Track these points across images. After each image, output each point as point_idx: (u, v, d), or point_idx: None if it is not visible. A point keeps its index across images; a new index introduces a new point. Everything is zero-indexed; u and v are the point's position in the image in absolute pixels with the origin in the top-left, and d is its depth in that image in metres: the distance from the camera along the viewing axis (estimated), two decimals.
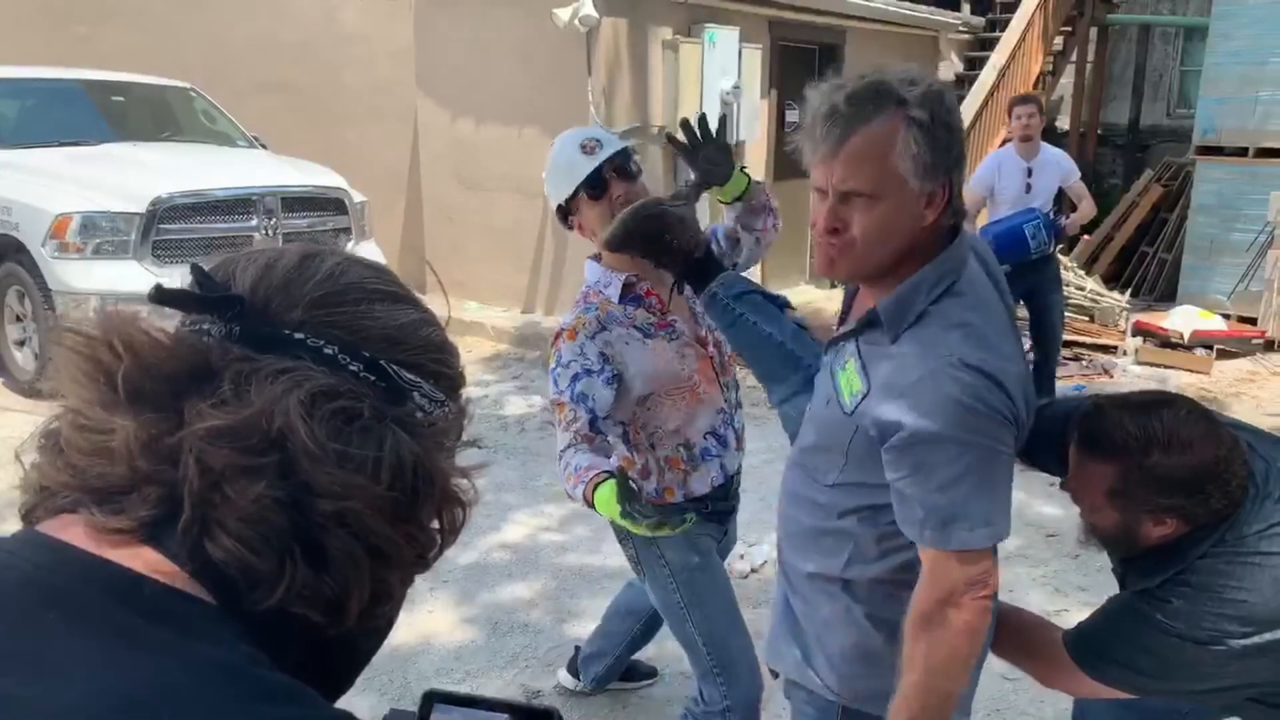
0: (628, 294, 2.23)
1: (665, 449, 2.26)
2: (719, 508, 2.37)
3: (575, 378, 2.12)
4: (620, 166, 2.20)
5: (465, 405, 0.73)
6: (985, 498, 1.36)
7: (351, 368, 0.64)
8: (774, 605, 1.76)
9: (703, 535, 2.30)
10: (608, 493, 1.87)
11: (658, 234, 1.83)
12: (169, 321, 0.64)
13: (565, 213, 2.28)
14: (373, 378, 0.65)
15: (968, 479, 1.35)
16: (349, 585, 0.62)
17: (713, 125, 2.08)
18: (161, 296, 0.62)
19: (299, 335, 0.63)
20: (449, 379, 0.71)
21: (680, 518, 1.80)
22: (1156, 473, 1.47)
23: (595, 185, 2.19)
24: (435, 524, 0.69)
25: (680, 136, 2.05)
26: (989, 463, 1.36)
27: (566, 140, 2.26)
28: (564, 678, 3.08)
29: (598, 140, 2.22)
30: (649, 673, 3.12)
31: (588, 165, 2.19)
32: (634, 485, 1.83)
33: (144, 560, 0.58)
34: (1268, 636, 1.41)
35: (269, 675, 0.57)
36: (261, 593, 0.59)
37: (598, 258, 2.30)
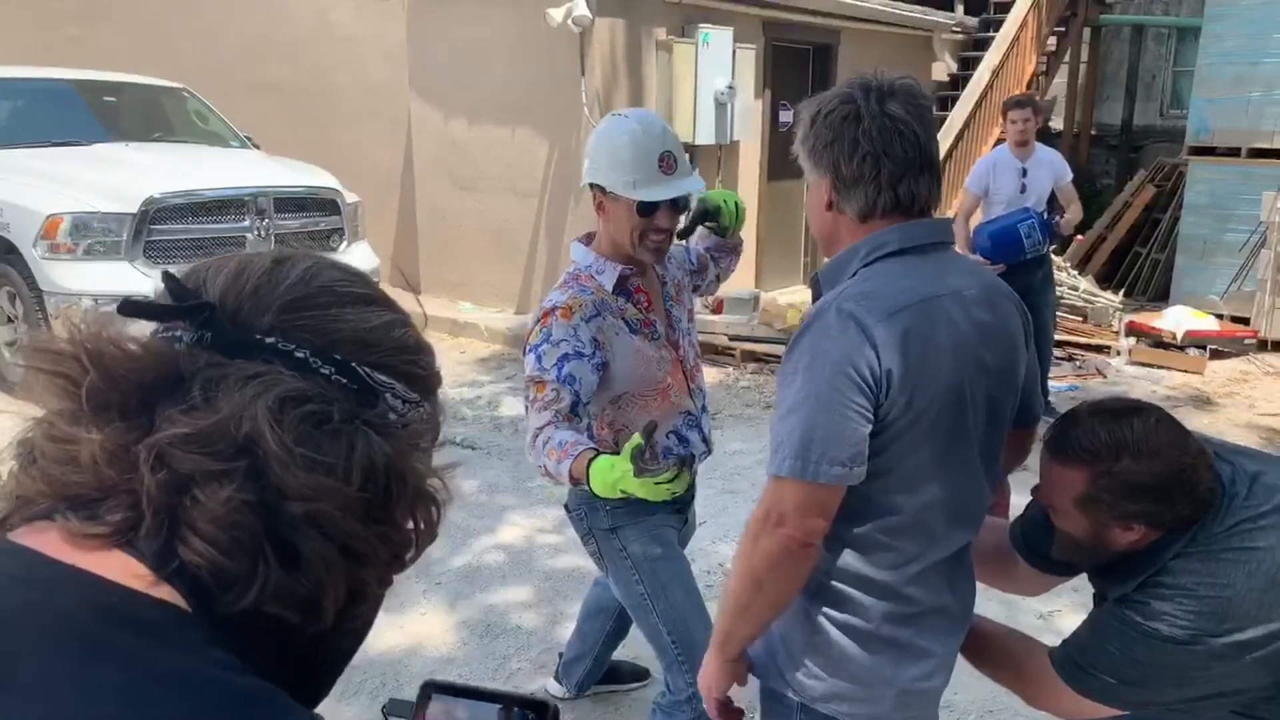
0: (621, 286, 2.22)
1: None
2: (678, 498, 2.37)
3: (565, 358, 2.09)
4: (678, 201, 2.19)
5: (441, 405, 0.74)
6: (808, 433, 1.40)
7: (323, 371, 0.65)
8: None
9: (664, 527, 2.33)
10: (605, 463, 1.84)
11: None
12: (144, 329, 0.64)
13: (599, 188, 2.20)
14: (344, 380, 0.65)
15: (798, 412, 1.42)
16: (323, 585, 0.63)
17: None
18: (131, 308, 0.62)
19: (270, 340, 0.64)
20: (422, 380, 0.71)
21: (677, 466, 1.79)
22: (1125, 479, 1.49)
23: (648, 210, 2.15)
24: (411, 524, 0.69)
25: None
26: (824, 404, 1.40)
27: (648, 134, 2.16)
28: (552, 686, 3.07)
29: (674, 160, 2.16)
30: (639, 674, 3.12)
31: (659, 189, 2.14)
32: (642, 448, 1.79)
33: (117, 566, 0.58)
34: (1249, 633, 1.41)
35: (237, 680, 0.57)
36: (235, 594, 0.60)
37: (586, 240, 2.29)
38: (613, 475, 1.82)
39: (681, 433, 2.34)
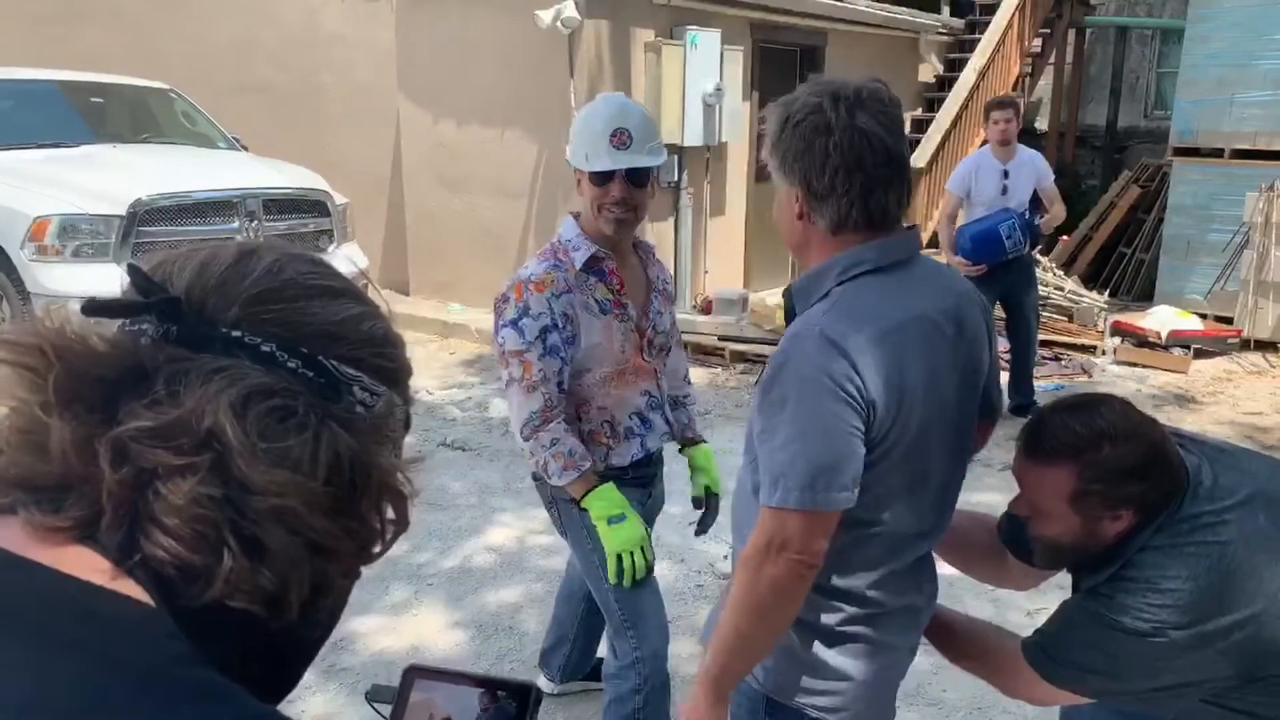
0: (592, 266, 2.28)
1: (591, 423, 2.35)
2: (640, 474, 2.49)
3: (546, 330, 2.17)
4: (633, 174, 2.24)
5: (410, 396, 0.74)
6: (810, 461, 1.40)
7: (289, 365, 0.64)
8: (722, 589, 1.80)
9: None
10: (605, 499, 2.20)
11: None
12: (110, 323, 0.64)
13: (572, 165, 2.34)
14: (310, 374, 0.65)
15: (797, 442, 1.41)
16: (288, 579, 0.62)
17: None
18: (95, 306, 0.62)
19: (236, 333, 0.63)
20: (391, 372, 0.71)
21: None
22: (1111, 465, 1.51)
23: (602, 179, 2.23)
24: (377, 518, 0.69)
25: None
26: (821, 430, 1.40)
27: (607, 111, 2.26)
28: (543, 683, 3.09)
29: (630, 137, 2.23)
30: None
31: (606, 161, 2.21)
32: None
33: (79, 559, 0.59)
34: (1211, 626, 1.43)
35: (192, 674, 0.57)
36: (199, 587, 0.60)
37: (577, 216, 2.37)
38: (601, 509, 2.21)
39: (644, 414, 2.42)
